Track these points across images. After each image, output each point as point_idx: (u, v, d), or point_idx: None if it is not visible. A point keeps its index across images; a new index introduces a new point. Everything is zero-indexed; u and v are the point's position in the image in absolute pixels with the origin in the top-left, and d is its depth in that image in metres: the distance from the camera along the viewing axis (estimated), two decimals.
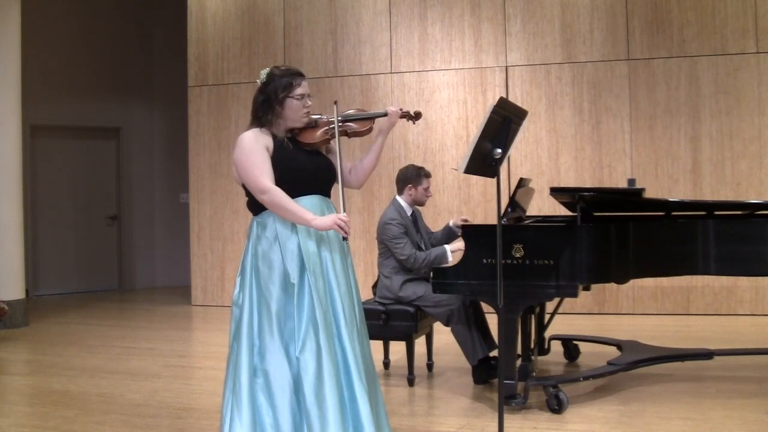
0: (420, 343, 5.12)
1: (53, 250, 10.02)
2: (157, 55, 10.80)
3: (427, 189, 5.09)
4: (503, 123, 3.63)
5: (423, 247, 5.08)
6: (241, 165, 3.08)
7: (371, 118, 3.30)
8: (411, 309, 4.87)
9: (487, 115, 3.52)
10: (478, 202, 7.99)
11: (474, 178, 7.36)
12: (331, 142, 3.26)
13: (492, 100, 6.29)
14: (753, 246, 4.37)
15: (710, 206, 4.69)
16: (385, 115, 3.31)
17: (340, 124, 3.23)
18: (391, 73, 8.29)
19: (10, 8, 7.64)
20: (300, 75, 3.20)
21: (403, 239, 4.88)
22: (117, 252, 10.62)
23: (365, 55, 8.39)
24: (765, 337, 6.21)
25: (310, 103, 3.21)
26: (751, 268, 4.47)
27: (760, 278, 6.68)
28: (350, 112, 3.36)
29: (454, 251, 4.82)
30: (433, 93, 8.17)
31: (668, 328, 6.74)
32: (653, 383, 4.75)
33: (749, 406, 4.22)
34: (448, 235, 5.14)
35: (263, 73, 3.20)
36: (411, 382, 4.91)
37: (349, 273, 3.23)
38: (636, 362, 4.71)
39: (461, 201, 8.04)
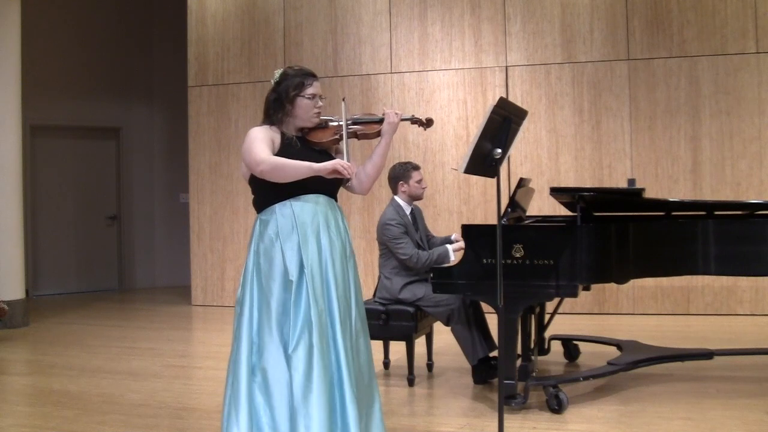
0: (420, 343, 5.12)
1: (53, 250, 10.02)
2: (157, 55, 10.80)
3: (419, 182, 5.07)
4: (503, 123, 3.63)
5: (423, 245, 5.08)
6: (245, 151, 3.09)
7: (379, 122, 3.30)
8: (411, 309, 4.87)
9: (487, 115, 3.52)
10: (478, 202, 7.99)
11: (474, 178, 7.36)
12: (340, 143, 3.25)
13: (492, 100, 6.29)
14: (753, 246, 4.37)
15: (710, 206, 4.69)
16: (382, 120, 3.28)
17: (349, 124, 3.24)
18: (391, 73, 8.29)
19: (10, 8, 7.64)
20: (312, 75, 3.23)
21: (404, 239, 4.88)
22: (117, 252, 10.62)
23: (365, 55, 8.39)
24: (765, 337, 6.21)
25: (321, 103, 3.23)
26: (751, 268, 4.47)
27: (760, 278, 6.68)
28: (356, 115, 3.37)
29: (456, 251, 4.83)
30: (433, 93, 8.17)
31: (668, 328, 6.74)
32: (653, 383, 4.75)
33: (749, 406, 4.22)
34: (447, 242, 5.14)
35: (277, 72, 3.24)
36: (411, 382, 4.91)
37: (350, 275, 3.20)
38: (636, 362, 4.71)
39: (461, 201, 8.04)
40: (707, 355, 4.87)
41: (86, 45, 10.19)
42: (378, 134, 3.29)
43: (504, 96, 7.25)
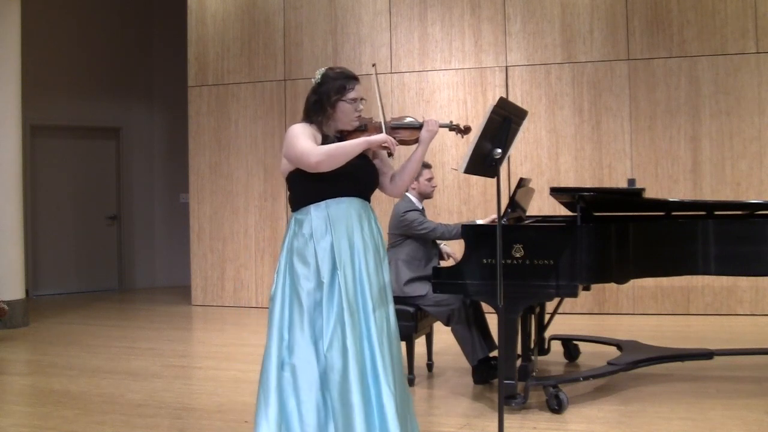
0: (420, 343, 5.12)
1: (53, 250, 10.02)
2: (157, 55, 10.80)
3: (430, 180, 5.11)
4: (503, 123, 3.62)
5: None
6: (289, 147, 3.08)
7: (418, 127, 3.28)
8: (411, 309, 4.87)
9: (487, 115, 3.52)
10: (478, 202, 7.99)
11: (474, 178, 7.36)
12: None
13: (492, 100, 6.29)
14: (753, 246, 4.37)
15: (710, 206, 4.69)
16: (422, 126, 3.28)
17: (390, 128, 3.25)
18: (391, 73, 8.29)
19: (10, 8, 7.64)
20: (354, 79, 3.24)
21: (423, 218, 4.96)
22: (117, 252, 10.62)
23: (365, 55, 8.39)
24: (765, 337, 6.21)
25: (362, 107, 3.25)
26: (751, 268, 4.47)
27: (760, 278, 6.68)
28: (394, 118, 3.36)
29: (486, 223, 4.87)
30: (433, 93, 8.17)
31: (668, 328, 6.74)
32: (653, 383, 4.75)
33: (749, 406, 4.22)
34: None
35: (318, 73, 3.23)
36: (411, 382, 4.90)
37: (383, 275, 3.21)
38: (636, 362, 4.71)
39: (461, 201, 8.04)
40: (707, 355, 4.87)
41: (86, 45, 10.19)
42: (416, 141, 3.28)
43: (504, 96, 7.25)
